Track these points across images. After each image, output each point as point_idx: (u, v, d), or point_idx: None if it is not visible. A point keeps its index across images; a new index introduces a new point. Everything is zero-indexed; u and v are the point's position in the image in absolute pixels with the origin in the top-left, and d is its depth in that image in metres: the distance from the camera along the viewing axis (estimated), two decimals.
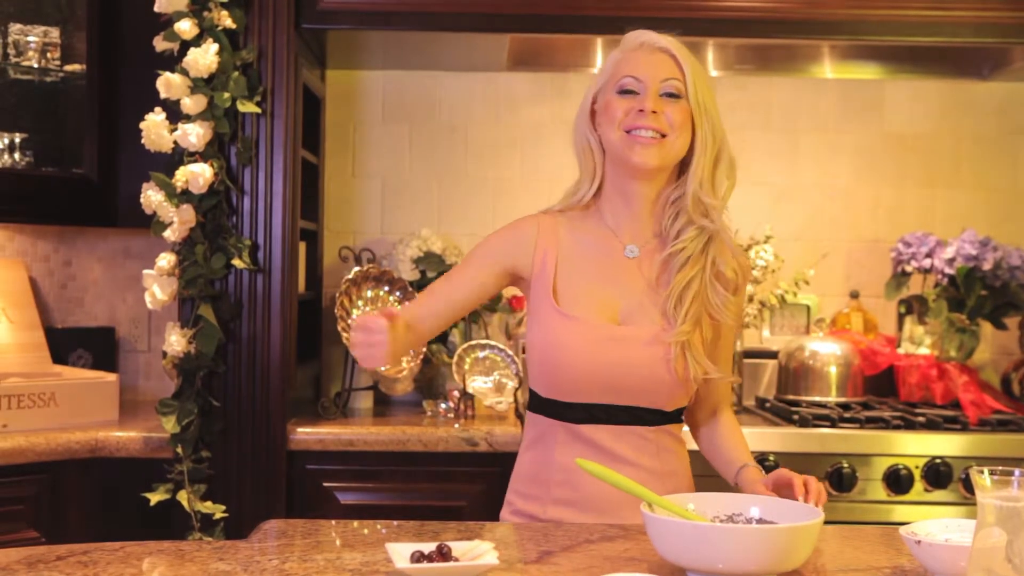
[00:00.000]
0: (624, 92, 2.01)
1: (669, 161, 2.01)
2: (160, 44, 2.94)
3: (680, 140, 2.00)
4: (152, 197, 2.88)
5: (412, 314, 2.02)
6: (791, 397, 3.37)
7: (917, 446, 3.01)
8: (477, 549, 1.61)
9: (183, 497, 2.83)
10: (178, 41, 2.90)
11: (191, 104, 2.87)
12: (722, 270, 2.03)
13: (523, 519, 2.06)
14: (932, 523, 1.69)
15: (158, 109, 2.88)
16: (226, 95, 2.88)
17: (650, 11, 3.05)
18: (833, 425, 3.06)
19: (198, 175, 2.85)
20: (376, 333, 1.84)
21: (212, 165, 2.88)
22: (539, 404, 2.08)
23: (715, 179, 2.03)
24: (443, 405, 3.25)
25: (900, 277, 3.51)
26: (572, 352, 1.99)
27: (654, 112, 1.98)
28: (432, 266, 3.44)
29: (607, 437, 2.02)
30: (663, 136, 1.98)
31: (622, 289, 2.05)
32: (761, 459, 2.96)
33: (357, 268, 3.38)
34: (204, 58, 2.85)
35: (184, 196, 2.88)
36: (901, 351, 3.46)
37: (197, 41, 2.89)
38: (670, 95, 2.00)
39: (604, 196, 2.09)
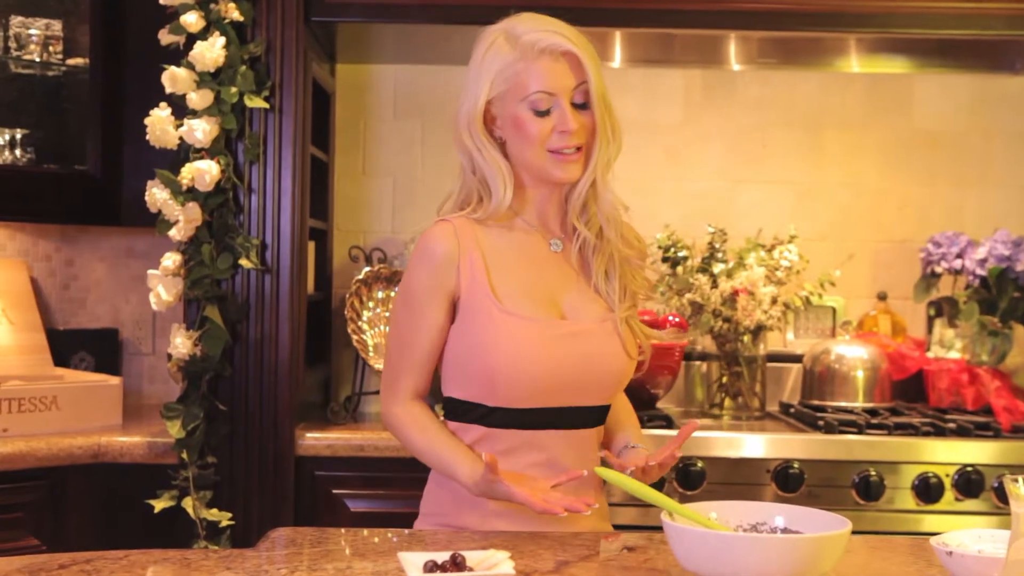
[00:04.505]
0: (539, 112, 1.98)
1: (584, 166, 2.04)
2: (165, 37, 2.94)
3: (592, 143, 2.03)
4: (157, 195, 2.88)
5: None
6: (816, 402, 3.36)
7: (947, 453, 3.00)
8: (492, 558, 1.61)
9: (188, 504, 2.83)
10: (184, 34, 2.91)
11: (197, 99, 2.87)
12: (626, 236, 2.10)
13: (456, 530, 2.02)
14: (964, 534, 1.68)
15: (163, 104, 2.89)
16: (233, 90, 2.89)
17: (670, 3, 3.06)
18: (860, 432, 3.05)
19: (204, 172, 2.85)
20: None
21: (219, 162, 2.89)
22: (471, 413, 2.03)
23: (608, 159, 2.05)
24: None
25: (929, 278, 3.50)
26: (529, 354, 1.96)
27: (576, 130, 1.99)
28: None
29: (556, 441, 2.02)
30: (581, 147, 2.01)
31: (558, 282, 2.06)
32: (785, 466, 2.95)
33: (368, 268, 3.38)
34: (211, 52, 2.85)
35: (190, 194, 2.89)
36: (931, 355, 3.44)
37: (204, 34, 2.89)
38: (580, 105, 2.01)
39: (515, 196, 2.06)
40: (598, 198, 2.05)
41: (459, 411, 2.05)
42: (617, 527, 2.16)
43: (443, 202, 2.14)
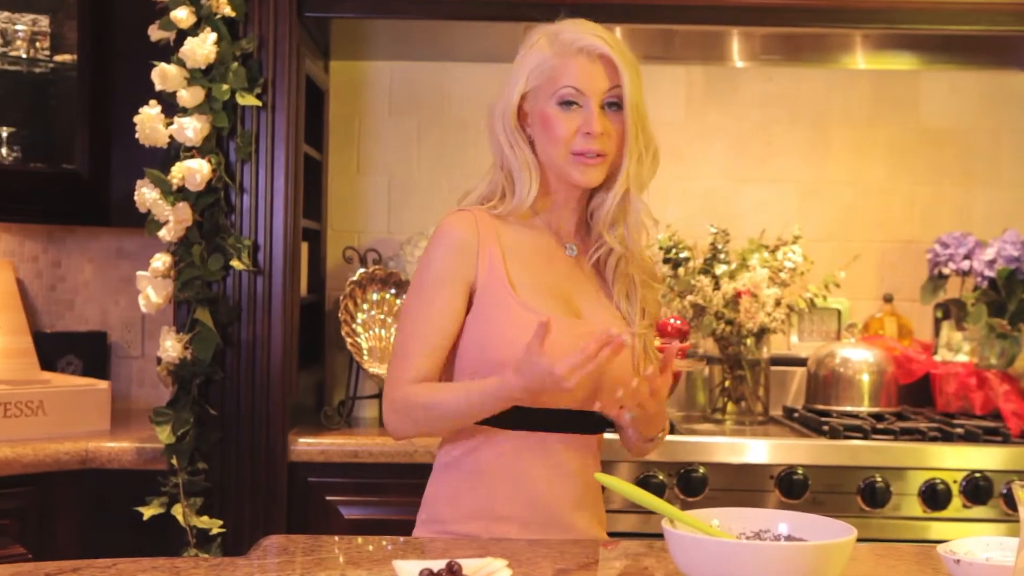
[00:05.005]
0: (565, 104, 2.02)
1: (608, 174, 2.06)
2: (155, 33, 2.94)
3: (618, 153, 2.05)
4: (146, 195, 2.88)
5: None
6: (821, 407, 3.36)
7: (955, 459, 3.00)
8: (489, 567, 1.61)
9: (178, 511, 2.83)
10: (174, 30, 2.90)
11: (188, 97, 2.87)
12: (643, 258, 2.14)
13: (457, 537, 2.02)
14: (971, 541, 1.69)
15: (153, 102, 2.89)
16: (225, 87, 2.89)
17: None
18: (866, 437, 3.05)
19: (195, 171, 2.85)
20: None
21: (210, 161, 2.89)
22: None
23: (641, 177, 2.07)
24: None
25: (937, 280, 3.50)
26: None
27: (600, 134, 2.01)
28: None
29: (560, 446, 2.02)
30: (603, 155, 2.03)
31: (574, 284, 2.08)
32: (789, 472, 2.95)
33: (362, 270, 3.38)
34: (202, 48, 2.85)
35: (180, 194, 2.88)
36: (938, 358, 3.44)
37: (194, 30, 2.89)
38: (611, 104, 2.04)
39: (539, 195, 2.09)
40: (628, 211, 2.07)
41: None
42: (616, 535, 2.16)
43: (465, 194, 2.15)
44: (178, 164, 2.87)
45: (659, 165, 2.10)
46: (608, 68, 2.02)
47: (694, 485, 2.96)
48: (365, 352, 3.30)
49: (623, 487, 1.74)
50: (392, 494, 2.97)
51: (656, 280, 2.17)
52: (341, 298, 3.30)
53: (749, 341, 3.35)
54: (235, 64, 2.90)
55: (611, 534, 2.15)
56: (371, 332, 3.35)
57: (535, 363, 1.84)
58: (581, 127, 2.01)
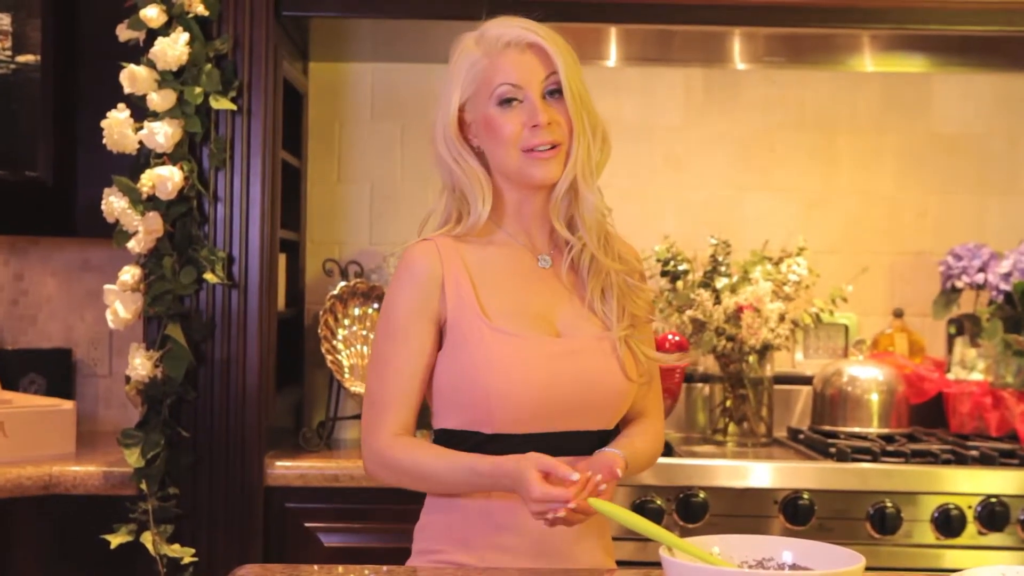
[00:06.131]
0: (505, 103, 2.03)
1: (565, 165, 2.06)
2: (124, 33, 2.94)
3: (570, 140, 2.05)
4: (114, 204, 2.87)
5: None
6: (827, 428, 3.36)
7: (970, 483, 3.00)
8: None
9: (148, 539, 2.82)
10: (144, 30, 2.91)
11: (158, 100, 2.87)
12: (623, 255, 2.12)
13: (455, 567, 2.02)
14: (987, 570, 1.68)
15: (121, 106, 2.88)
16: (197, 90, 2.88)
17: None
18: (875, 459, 3.05)
19: (166, 179, 2.84)
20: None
21: (182, 168, 2.88)
22: (466, 443, 2.03)
23: (591, 164, 2.07)
24: None
25: (950, 294, 3.51)
26: (525, 373, 1.97)
27: (548, 124, 2.02)
28: None
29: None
30: (557, 145, 2.03)
31: (550, 300, 2.08)
32: (794, 497, 2.95)
33: (343, 283, 3.38)
34: (173, 49, 2.85)
35: (150, 203, 2.88)
36: (951, 377, 3.45)
37: (165, 30, 2.89)
38: (552, 93, 2.05)
39: (496, 208, 2.10)
40: (580, 201, 2.07)
41: (453, 442, 2.04)
42: None
43: (424, 221, 2.16)
44: (148, 171, 2.87)
45: (611, 149, 2.10)
46: (541, 56, 2.04)
47: (694, 510, 2.96)
48: (346, 370, 3.29)
49: (619, 513, 1.73)
50: (375, 520, 2.96)
51: (631, 270, 2.13)
52: (321, 313, 3.29)
53: (752, 358, 3.35)
54: (208, 66, 2.90)
55: None
56: (352, 349, 3.34)
57: (530, 497, 1.85)
58: (526, 122, 2.02)
